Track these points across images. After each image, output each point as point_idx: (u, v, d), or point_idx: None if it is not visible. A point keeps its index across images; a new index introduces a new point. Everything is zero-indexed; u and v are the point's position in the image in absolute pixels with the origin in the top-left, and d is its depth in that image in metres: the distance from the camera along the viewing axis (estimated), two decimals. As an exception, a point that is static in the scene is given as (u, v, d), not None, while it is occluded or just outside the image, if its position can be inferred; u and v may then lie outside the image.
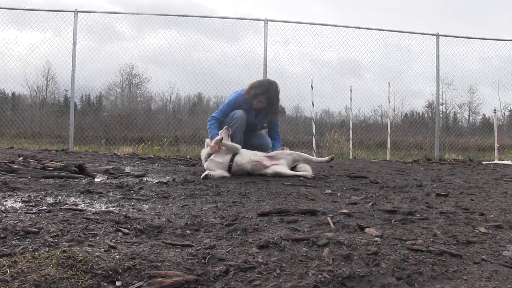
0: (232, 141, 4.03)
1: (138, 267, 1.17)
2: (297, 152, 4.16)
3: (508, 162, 7.53)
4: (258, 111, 4.38)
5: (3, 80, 8.50)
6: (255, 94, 4.23)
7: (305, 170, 3.94)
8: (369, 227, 1.68)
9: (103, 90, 12.94)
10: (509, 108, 13.18)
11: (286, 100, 10.11)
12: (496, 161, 7.78)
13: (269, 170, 3.87)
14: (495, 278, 1.18)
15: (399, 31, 9.21)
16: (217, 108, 4.75)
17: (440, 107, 10.70)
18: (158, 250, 1.35)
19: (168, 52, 9.30)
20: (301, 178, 3.74)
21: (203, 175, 3.58)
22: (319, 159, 4.27)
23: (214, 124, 4.23)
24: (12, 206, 2.05)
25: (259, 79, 4.46)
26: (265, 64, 8.23)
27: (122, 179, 3.44)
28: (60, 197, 2.37)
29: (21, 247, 1.32)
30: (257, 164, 3.91)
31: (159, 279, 1.08)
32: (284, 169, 3.88)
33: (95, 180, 3.30)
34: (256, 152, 4.03)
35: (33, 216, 1.79)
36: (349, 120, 9.10)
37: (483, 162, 7.63)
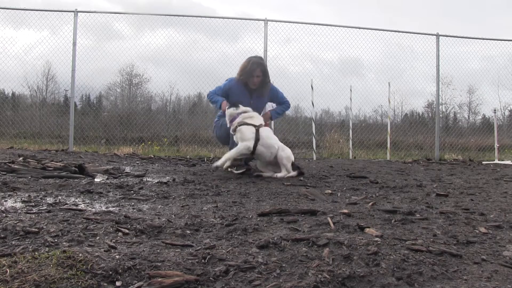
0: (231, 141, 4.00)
1: (138, 267, 1.17)
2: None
3: (508, 162, 7.52)
4: (253, 91, 4.29)
5: (3, 80, 8.47)
6: (250, 70, 4.14)
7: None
8: (369, 227, 1.68)
9: (103, 90, 12.95)
10: (509, 108, 13.16)
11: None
12: (496, 161, 7.77)
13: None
14: (495, 278, 1.18)
15: (399, 31, 9.20)
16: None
17: (440, 107, 10.71)
18: (158, 250, 1.35)
19: (168, 51, 9.32)
20: (301, 178, 3.74)
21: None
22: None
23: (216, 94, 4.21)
24: (12, 206, 2.05)
25: (245, 60, 4.33)
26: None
27: (122, 179, 3.44)
28: (60, 197, 2.37)
29: (21, 247, 1.32)
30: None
31: (159, 279, 1.08)
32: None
33: (95, 180, 3.30)
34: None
35: (33, 216, 1.79)
36: (349, 120, 9.09)
37: (483, 162, 7.63)
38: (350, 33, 8.91)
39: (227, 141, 4.22)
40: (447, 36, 9.03)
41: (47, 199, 2.30)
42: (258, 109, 4.23)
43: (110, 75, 16.52)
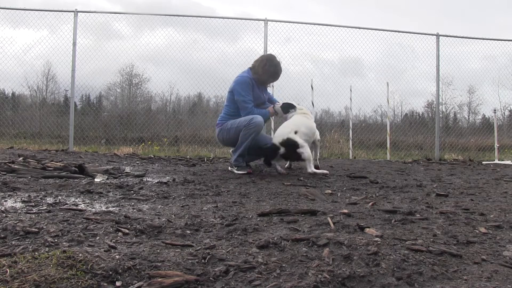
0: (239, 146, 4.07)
1: (138, 267, 1.17)
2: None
3: (508, 162, 7.52)
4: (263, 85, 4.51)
5: (3, 80, 8.47)
6: (276, 76, 4.42)
7: None
8: (369, 227, 1.68)
9: (103, 90, 12.95)
10: (509, 108, 13.17)
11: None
12: (496, 161, 7.77)
13: None
14: (495, 278, 1.18)
15: (399, 31, 9.20)
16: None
17: (440, 107, 10.70)
18: (158, 250, 1.35)
19: (168, 51, 9.30)
20: (301, 178, 3.74)
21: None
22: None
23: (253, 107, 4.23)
24: (12, 206, 2.05)
25: (266, 60, 4.35)
26: (265, 64, 8.22)
27: (122, 179, 3.44)
28: (60, 197, 2.37)
29: (21, 247, 1.32)
30: None
31: (159, 279, 1.08)
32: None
33: (95, 180, 3.30)
34: None
35: (33, 216, 1.79)
36: (349, 120, 9.09)
37: (483, 162, 7.62)
38: (350, 33, 8.92)
39: (234, 143, 4.19)
40: (447, 36, 9.03)
41: (47, 199, 2.30)
42: (265, 99, 4.50)
43: (110, 75, 16.54)
